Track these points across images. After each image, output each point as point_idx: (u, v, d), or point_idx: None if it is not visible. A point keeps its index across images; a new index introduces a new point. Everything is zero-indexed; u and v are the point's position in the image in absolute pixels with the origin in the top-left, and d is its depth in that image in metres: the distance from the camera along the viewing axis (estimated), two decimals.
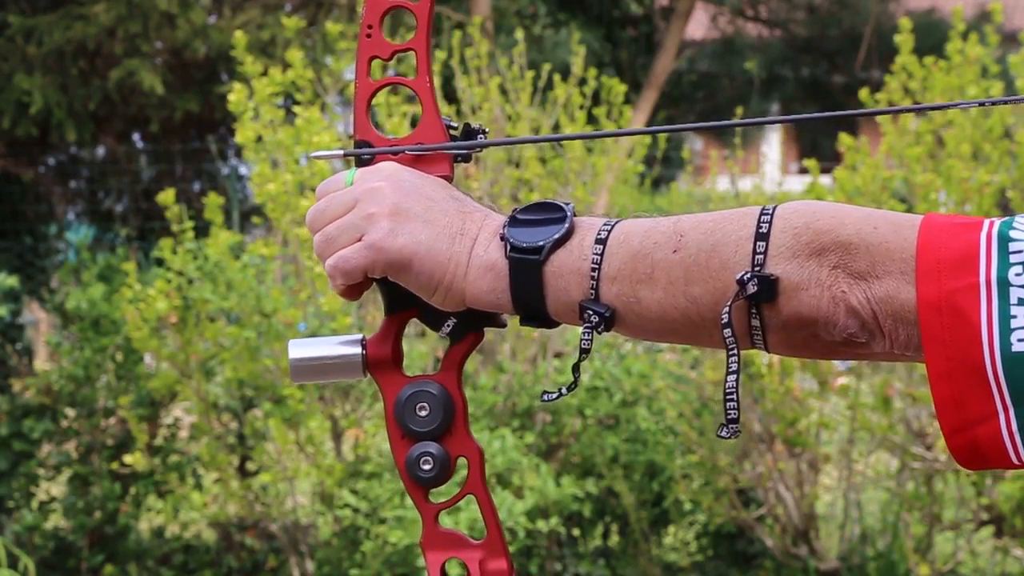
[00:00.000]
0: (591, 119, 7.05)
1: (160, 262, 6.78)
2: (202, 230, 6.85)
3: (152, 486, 6.94)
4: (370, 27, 1.41)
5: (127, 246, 8.64)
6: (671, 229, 1.26)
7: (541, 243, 1.28)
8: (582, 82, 7.01)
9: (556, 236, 1.29)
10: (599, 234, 1.28)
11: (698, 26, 14.98)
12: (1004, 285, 1.14)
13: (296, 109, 6.35)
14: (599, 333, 1.28)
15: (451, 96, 6.93)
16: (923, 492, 6.17)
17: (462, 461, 1.40)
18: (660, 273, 1.25)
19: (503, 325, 1.38)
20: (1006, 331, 1.14)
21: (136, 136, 10.72)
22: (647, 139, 7.40)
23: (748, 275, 1.20)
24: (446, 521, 5.78)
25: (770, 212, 1.22)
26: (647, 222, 1.28)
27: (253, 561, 6.89)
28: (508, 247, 1.29)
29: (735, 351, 1.23)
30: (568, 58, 7.31)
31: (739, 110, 8.78)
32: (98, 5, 8.96)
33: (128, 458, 6.72)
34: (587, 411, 6.39)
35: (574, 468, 6.38)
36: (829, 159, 7.65)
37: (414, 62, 1.41)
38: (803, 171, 7.28)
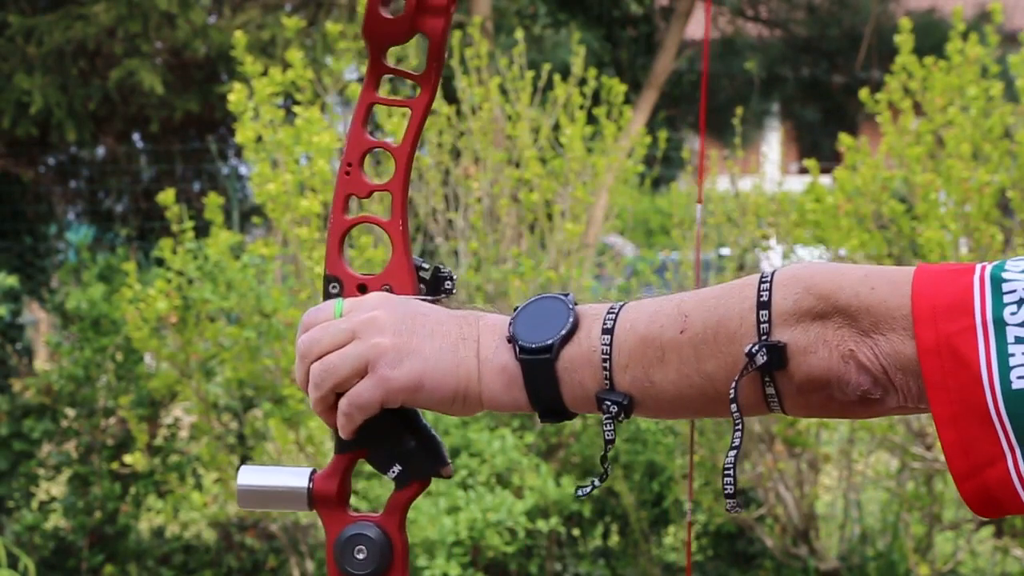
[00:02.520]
0: (591, 119, 7.05)
1: (160, 262, 6.78)
2: (202, 230, 6.85)
3: (152, 486, 6.94)
4: (349, 165, 1.42)
5: (127, 246, 8.64)
6: (675, 310, 1.27)
7: (550, 341, 1.29)
8: (582, 82, 7.01)
9: (563, 332, 1.29)
10: (605, 323, 1.28)
11: (698, 26, 14.98)
12: (1000, 324, 1.14)
13: (296, 109, 6.35)
14: (619, 422, 1.29)
15: (451, 96, 6.93)
16: (923, 492, 6.17)
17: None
18: (671, 355, 1.26)
19: (448, 476, 1.40)
20: (1005, 370, 1.14)
21: (136, 136, 10.72)
22: (647, 139, 7.40)
23: (756, 346, 1.22)
24: (446, 521, 5.78)
25: (769, 280, 1.23)
26: (649, 305, 1.29)
27: (253, 561, 6.89)
28: (517, 349, 1.30)
29: (740, 426, 1.25)
30: (568, 58, 7.31)
31: (739, 110, 8.78)
32: (98, 5, 8.96)
33: (128, 458, 6.72)
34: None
35: (574, 468, 6.38)
36: (829, 159, 7.65)
37: (388, 202, 1.42)
38: (803, 171, 7.28)
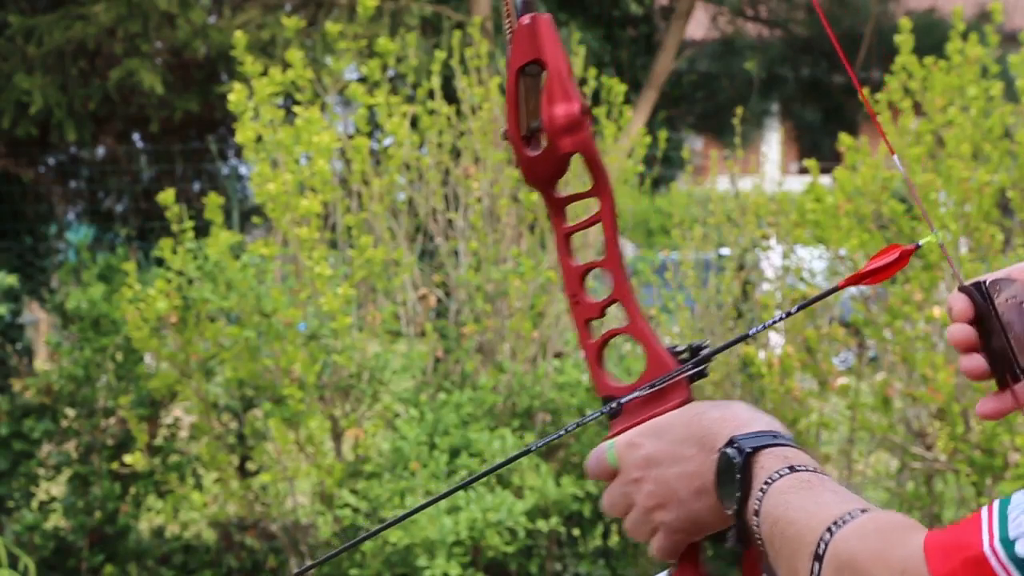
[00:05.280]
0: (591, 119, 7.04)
1: (160, 262, 6.78)
2: (202, 230, 6.85)
3: (152, 486, 6.94)
4: (574, 296, 1.50)
5: (127, 246, 8.64)
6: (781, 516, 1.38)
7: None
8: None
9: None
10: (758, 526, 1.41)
11: (698, 26, 14.97)
12: (1008, 544, 1.20)
13: (296, 109, 6.35)
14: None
15: (451, 96, 6.93)
16: (923, 492, 6.17)
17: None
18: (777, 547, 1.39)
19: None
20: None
21: (136, 136, 10.72)
22: (647, 139, 7.39)
23: None
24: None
25: (829, 539, 1.31)
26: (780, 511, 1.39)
27: (253, 561, 6.89)
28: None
29: None
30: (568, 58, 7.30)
31: (739, 110, 8.78)
32: (98, 5, 8.96)
33: (128, 458, 6.72)
34: (587, 411, 6.39)
35: (574, 468, 6.38)
36: (829, 159, 7.65)
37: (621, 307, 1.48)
38: (803, 171, 7.28)
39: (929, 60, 6.10)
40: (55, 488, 7.44)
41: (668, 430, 1.48)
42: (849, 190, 6.03)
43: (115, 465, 6.96)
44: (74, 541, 6.96)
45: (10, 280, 7.31)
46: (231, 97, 6.31)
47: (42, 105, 9.00)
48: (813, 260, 6.47)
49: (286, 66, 6.68)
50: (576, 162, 1.43)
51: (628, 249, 10.89)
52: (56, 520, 7.19)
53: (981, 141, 5.94)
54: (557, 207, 1.46)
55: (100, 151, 10.85)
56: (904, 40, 6.14)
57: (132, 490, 7.01)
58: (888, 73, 6.23)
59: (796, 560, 1.34)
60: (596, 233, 1.47)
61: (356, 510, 6.15)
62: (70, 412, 7.14)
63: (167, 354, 6.39)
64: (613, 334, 1.48)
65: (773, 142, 19.69)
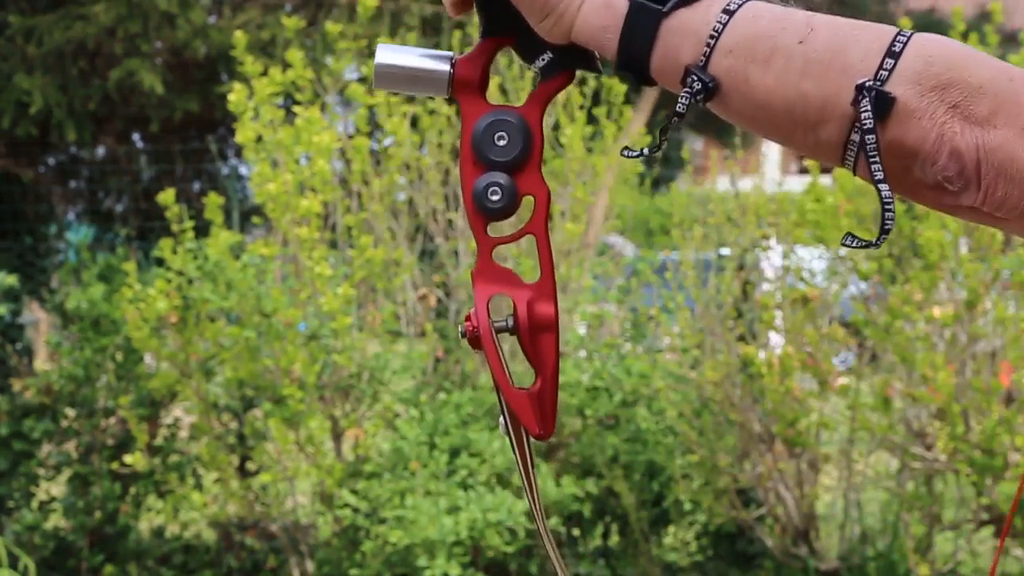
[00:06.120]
0: (591, 119, 7.05)
1: (160, 262, 6.78)
2: (202, 230, 6.86)
3: (152, 486, 6.94)
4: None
5: (127, 246, 8.64)
6: (804, 20, 1.21)
7: None
8: (582, 82, 7.00)
9: None
10: (729, 5, 1.22)
11: None
12: None
13: (296, 109, 6.35)
14: (696, 102, 1.24)
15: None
16: (923, 492, 6.17)
17: (528, 200, 1.34)
18: (778, 59, 1.20)
19: (598, 71, 1.33)
20: None
21: (136, 136, 10.72)
22: (647, 139, 7.39)
23: (870, 83, 1.16)
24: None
25: (907, 35, 1.19)
26: (781, 8, 1.23)
27: (253, 561, 6.89)
28: None
29: (869, 117, 1.18)
30: None
31: None
32: (98, 5, 8.96)
33: (128, 458, 6.72)
34: (587, 411, 6.39)
35: (574, 468, 6.38)
36: None
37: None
38: (803, 171, 7.28)
39: None
40: (55, 488, 7.44)
41: None
42: (849, 190, 6.03)
43: (115, 465, 6.96)
44: (74, 541, 6.96)
45: (10, 280, 7.31)
46: (231, 97, 6.31)
47: (42, 105, 9.01)
48: (813, 260, 6.47)
49: (286, 66, 6.68)
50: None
51: (628, 249, 10.88)
52: (56, 520, 7.19)
53: None
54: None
55: (100, 151, 10.86)
56: None
57: (132, 490, 7.01)
58: None
59: (836, 60, 1.18)
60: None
61: (356, 510, 6.15)
62: (70, 412, 7.14)
63: (167, 354, 6.39)
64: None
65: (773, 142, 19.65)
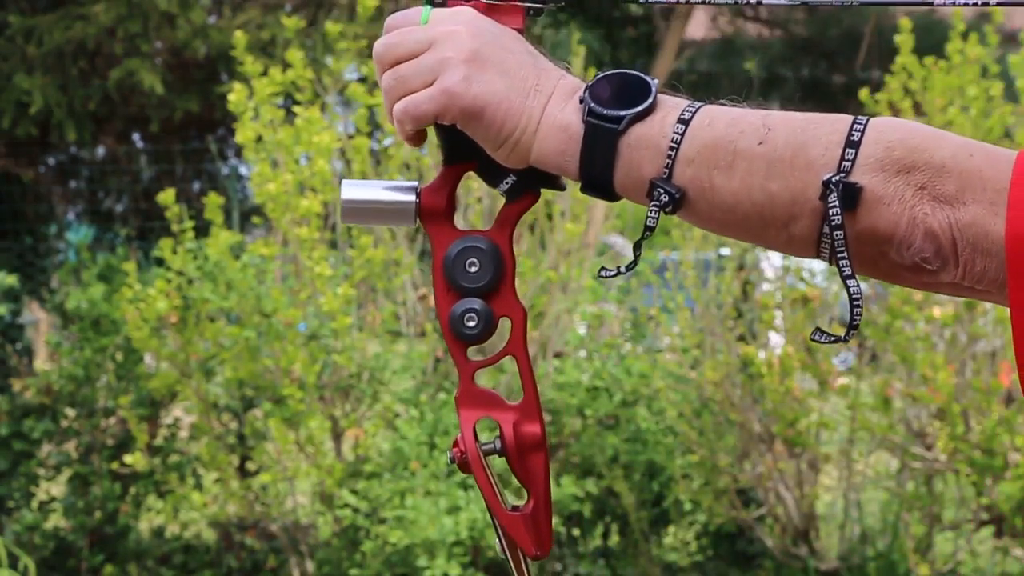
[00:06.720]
0: None
1: (160, 262, 6.78)
2: (202, 230, 6.85)
3: (152, 486, 6.94)
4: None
5: (127, 246, 8.64)
6: (759, 122, 1.22)
7: (622, 113, 1.25)
8: None
9: (639, 109, 1.25)
10: (683, 114, 1.24)
11: (698, 26, 14.98)
12: None
13: (296, 109, 6.35)
14: (666, 213, 1.25)
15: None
16: (923, 492, 6.17)
17: (505, 322, 1.35)
18: (741, 163, 1.21)
19: (562, 188, 1.34)
20: None
21: (136, 136, 10.72)
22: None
23: (836, 178, 1.17)
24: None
25: (863, 122, 1.20)
26: (735, 111, 1.24)
27: (253, 561, 6.89)
28: (586, 111, 1.26)
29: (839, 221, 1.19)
30: (568, 58, 7.31)
31: None
32: (98, 5, 8.96)
33: (128, 458, 6.72)
34: (587, 411, 6.39)
35: (574, 468, 6.38)
36: None
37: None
38: None
39: (929, 60, 6.10)
40: (55, 488, 7.44)
41: (503, 33, 1.30)
42: None
43: (115, 465, 6.96)
44: (74, 541, 6.96)
45: (10, 280, 7.31)
46: (231, 97, 6.31)
47: (42, 105, 9.00)
48: (813, 260, 6.46)
49: (286, 66, 6.68)
50: None
51: (628, 249, 10.89)
52: (56, 520, 7.19)
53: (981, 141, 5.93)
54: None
55: (100, 151, 10.85)
56: (904, 40, 6.15)
57: (132, 490, 7.01)
58: (888, 73, 6.23)
59: (798, 158, 1.19)
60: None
61: (356, 510, 6.15)
62: (70, 412, 7.14)
63: (167, 354, 6.39)
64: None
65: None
